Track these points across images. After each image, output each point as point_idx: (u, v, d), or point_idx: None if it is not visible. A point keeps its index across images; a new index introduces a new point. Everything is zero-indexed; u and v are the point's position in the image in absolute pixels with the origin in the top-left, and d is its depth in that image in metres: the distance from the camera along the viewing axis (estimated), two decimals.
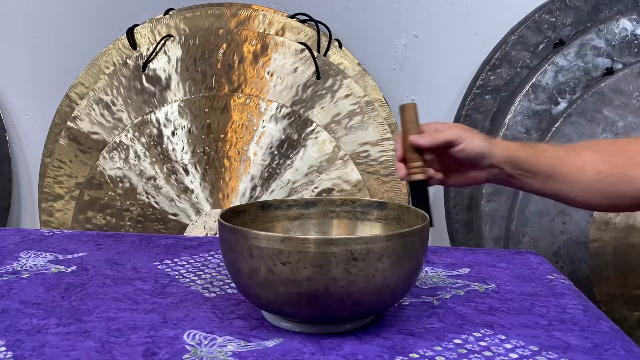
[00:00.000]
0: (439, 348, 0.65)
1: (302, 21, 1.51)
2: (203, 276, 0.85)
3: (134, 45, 1.48)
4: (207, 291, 0.80)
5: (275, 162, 1.41)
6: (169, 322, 0.70)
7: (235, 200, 1.39)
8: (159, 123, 1.42)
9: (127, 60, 1.45)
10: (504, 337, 0.67)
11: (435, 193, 1.61)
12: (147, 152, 1.41)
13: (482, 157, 0.87)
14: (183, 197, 1.40)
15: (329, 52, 1.48)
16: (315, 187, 1.41)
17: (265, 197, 1.40)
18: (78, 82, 1.50)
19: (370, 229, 0.79)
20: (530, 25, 1.48)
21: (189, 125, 1.42)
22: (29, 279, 0.82)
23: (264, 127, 1.41)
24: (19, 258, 0.91)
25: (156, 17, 1.51)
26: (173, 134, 1.41)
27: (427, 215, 0.71)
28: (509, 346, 0.65)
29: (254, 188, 1.41)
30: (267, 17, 1.49)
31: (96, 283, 0.82)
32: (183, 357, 0.61)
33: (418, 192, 0.84)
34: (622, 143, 0.95)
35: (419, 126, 0.87)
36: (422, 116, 0.88)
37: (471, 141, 0.86)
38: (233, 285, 0.81)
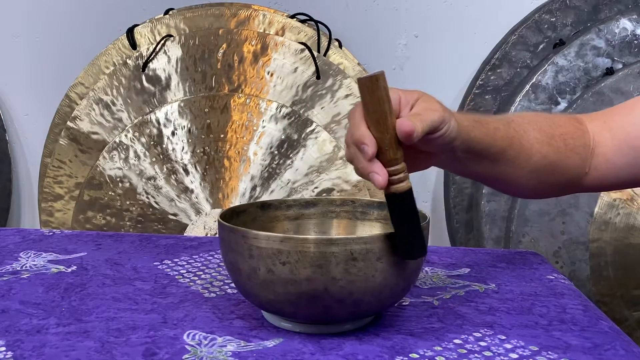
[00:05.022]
0: (439, 348, 0.65)
1: (302, 21, 1.51)
2: (203, 276, 0.85)
3: (134, 45, 1.48)
4: (207, 291, 0.79)
5: (275, 162, 1.41)
6: (169, 322, 0.70)
7: (235, 200, 1.39)
8: (159, 123, 1.42)
9: (127, 60, 1.45)
10: (504, 337, 0.67)
11: (435, 193, 1.61)
12: (147, 152, 1.41)
13: (453, 142, 0.68)
14: (183, 197, 1.40)
15: (329, 52, 1.48)
16: (315, 187, 1.41)
17: (265, 197, 1.40)
18: (78, 82, 1.50)
19: (370, 229, 0.79)
20: (530, 25, 1.48)
21: (189, 125, 1.42)
22: (29, 279, 0.82)
23: (264, 127, 1.41)
24: (19, 258, 0.91)
25: (156, 17, 1.51)
26: (173, 134, 1.41)
27: (426, 215, 0.70)
28: (509, 346, 0.65)
29: (254, 188, 1.41)
30: (267, 17, 1.49)
31: (96, 283, 0.82)
32: (183, 357, 0.61)
33: (405, 205, 0.61)
34: (557, 125, 0.82)
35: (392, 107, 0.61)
36: None
37: (451, 124, 0.67)
38: (233, 285, 0.81)
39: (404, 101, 0.65)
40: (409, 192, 0.61)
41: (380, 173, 0.60)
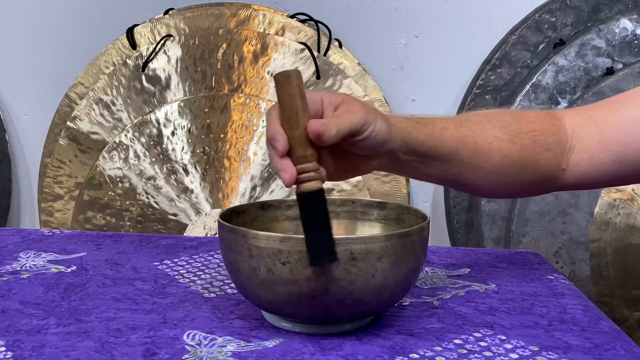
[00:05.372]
0: (439, 348, 0.64)
1: (302, 21, 1.51)
2: (203, 276, 0.85)
3: (133, 45, 1.48)
4: (207, 291, 0.79)
5: None
6: (169, 322, 0.69)
7: (235, 200, 1.39)
8: (158, 123, 1.42)
9: (127, 60, 1.45)
10: (504, 337, 0.67)
11: (435, 193, 1.61)
12: (147, 152, 1.41)
13: (382, 144, 0.66)
14: (183, 197, 1.40)
15: (329, 52, 1.48)
16: None
17: (265, 197, 1.40)
18: (78, 82, 1.50)
19: (370, 229, 0.79)
20: (530, 25, 1.48)
21: (189, 125, 1.42)
22: (29, 279, 0.82)
23: (264, 127, 1.41)
24: (19, 258, 0.91)
25: (156, 17, 1.51)
26: (173, 134, 1.41)
27: (426, 215, 0.70)
28: (509, 346, 0.65)
29: (253, 188, 1.41)
30: (267, 17, 1.49)
31: (96, 283, 0.82)
32: (183, 357, 0.61)
33: (315, 207, 0.59)
34: (525, 121, 0.79)
35: (307, 104, 0.61)
36: None
37: (376, 125, 0.64)
38: (233, 285, 0.81)
39: (327, 103, 0.64)
40: (317, 193, 0.59)
41: (287, 170, 0.59)
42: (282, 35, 1.47)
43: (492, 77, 1.50)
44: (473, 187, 0.79)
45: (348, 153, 0.66)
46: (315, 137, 0.60)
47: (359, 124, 0.63)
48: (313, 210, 0.59)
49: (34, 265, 0.88)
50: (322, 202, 0.59)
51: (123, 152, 1.41)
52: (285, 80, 0.60)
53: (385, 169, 0.74)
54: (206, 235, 1.39)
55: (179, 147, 1.41)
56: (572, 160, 0.80)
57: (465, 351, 0.64)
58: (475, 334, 0.68)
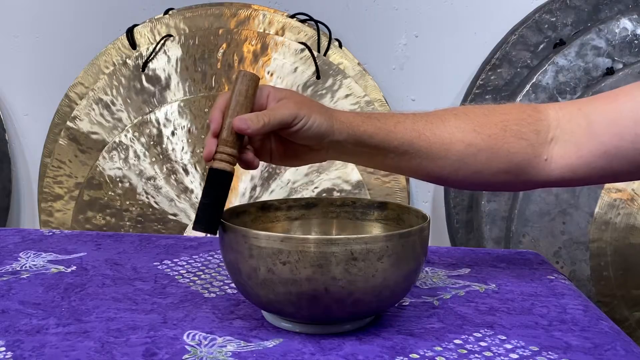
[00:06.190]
0: (439, 348, 0.64)
1: (302, 21, 1.51)
2: (203, 276, 0.85)
3: (133, 45, 1.48)
4: (207, 291, 0.79)
5: None
6: (169, 323, 0.69)
7: (235, 200, 1.39)
8: (158, 123, 1.42)
9: (127, 60, 1.45)
10: (504, 338, 0.67)
11: (435, 193, 1.61)
12: (146, 152, 1.41)
13: (321, 137, 0.72)
14: (183, 197, 1.40)
15: (329, 52, 1.48)
16: (315, 187, 1.40)
17: (265, 197, 1.40)
18: (78, 82, 1.50)
19: (371, 229, 0.79)
20: (530, 25, 1.48)
21: (189, 125, 1.42)
22: (29, 279, 0.82)
23: None
24: (19, 258, 0.91)
25: (156, 17, 1.51)
26: (173, 134, 1.41)
27: (427, 215, 0.70)
28: (509, 346, 0.65)
29: (254, 188, 1.41)
30: (267, 17, 1.49)
31: (96, 283, 0.82)
32: (183, 358, 0.61)
33: (216, 183, 0.68)
34: (498, 112, 0.81)
35: (252, 102, 0.70)
36: None
37: (309, 119, 0.70)
38: (233, 285, 0.81)
39: (272, 97, 0.72)
40: (223, 172, 0.68)
41: (208, 147, 0.69)
42: (282, 35, 1.47)
43: (492, 77, 1.50)
44: (438, 177, 0.80)
45: (293, 142, 0.73)
46: (237, 130, 0.68)
47: (289, 118, 0.70)
48: (214, 185, 0.68)
49: (34, 265, 0.88)
50: (224, 181, 0.68)
51: (123, 152, 1.41)
52: (241, 78, 0.70)
53: (339, 159, 0.79)
54: (206, 235, 1.39)
55: (179, 147, 1.41)
56: (556, 151, 0.79)
57: (465, 351, 0.64)
58: (475, 334, 0.68)
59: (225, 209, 0.69)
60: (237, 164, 0.71)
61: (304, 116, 0.70)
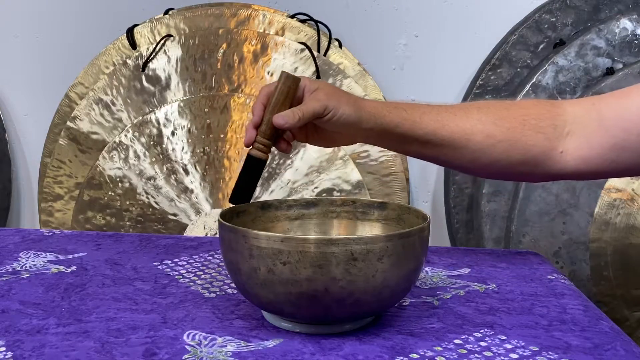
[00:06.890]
0: (439, 348, 0.64)
1: (302, 21, 1.51)
2: (203, 276, 0.85)
3: (133, 45, 1.48)
4: (207, 291, 0.79)
5: (275, 162, 1.41)
6: (169, 323, 0.69)
7: None
8: (158, 123, 1.42)
9: (127, 60, 1.45)
10: (504, 338, 0.67)
11: (435, 193, 1.61)
12: (146, 152, 1.41)
13: (349, 126, 0.80)
14: (183, 197, 1.40)
15: (329, 52, 1.48)
16: (315, 187, 1.40)
17: (265, 197, 1.40)
18: (78, 82, 1.50)
19: (371, 229, 0.79)
20: (530, 25, 1.48)
21: (189, 125, 1.42)
22: (29, 279, 0.82)
23: None
24: (19, 258, 0.91)
25: (156, 17, 1.51)
26: (173, 134, 1.41)
27: (427, 215, 0.70)
28: (509, 346, 0.65)
29: None
30: (267, 17, 1.49)
31: (96, 283, 0.82)
32: (183, 358, 0.61)
33: (252, 169, 0.79)
34: (518, 107, 0.87)
35: (291, 101, 0.79)
36: None
37: (338, 110, 0.78)
38: (233, 285, 0.81)
39: (307, 89, 0.81)
40: (256, 160, 0.79)
41: (248, 135, 0.79)
42: (282, 35, 1.47)
43: (492, 77, 1.50)
44: (459, 165, 0.87)
45: (324, 130, 0.82)
46: (276, 126, 0.78)
47: (320, 109, 0.78)
48: (249, 170, 0.80)
49: (34, 265, 0.88)
50: (258, 167, 0.80)
51: (123, 152, 1.41)
52: (284, 79, 0.79)
53: (367, 142, 0.87)
54: (206, 235, 1.39)
55: (179, 147, 1.41)
56: (571, 144, 0.83)
57: (465, 351, 0.64)
58: (475, 334, 0.68)
59: (225, 208, 0.72)
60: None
61: (333, 108, 0.78)
